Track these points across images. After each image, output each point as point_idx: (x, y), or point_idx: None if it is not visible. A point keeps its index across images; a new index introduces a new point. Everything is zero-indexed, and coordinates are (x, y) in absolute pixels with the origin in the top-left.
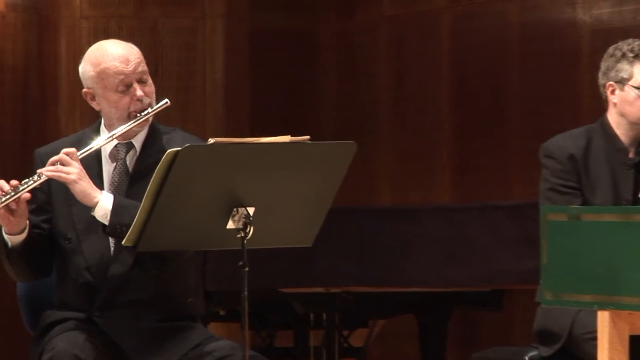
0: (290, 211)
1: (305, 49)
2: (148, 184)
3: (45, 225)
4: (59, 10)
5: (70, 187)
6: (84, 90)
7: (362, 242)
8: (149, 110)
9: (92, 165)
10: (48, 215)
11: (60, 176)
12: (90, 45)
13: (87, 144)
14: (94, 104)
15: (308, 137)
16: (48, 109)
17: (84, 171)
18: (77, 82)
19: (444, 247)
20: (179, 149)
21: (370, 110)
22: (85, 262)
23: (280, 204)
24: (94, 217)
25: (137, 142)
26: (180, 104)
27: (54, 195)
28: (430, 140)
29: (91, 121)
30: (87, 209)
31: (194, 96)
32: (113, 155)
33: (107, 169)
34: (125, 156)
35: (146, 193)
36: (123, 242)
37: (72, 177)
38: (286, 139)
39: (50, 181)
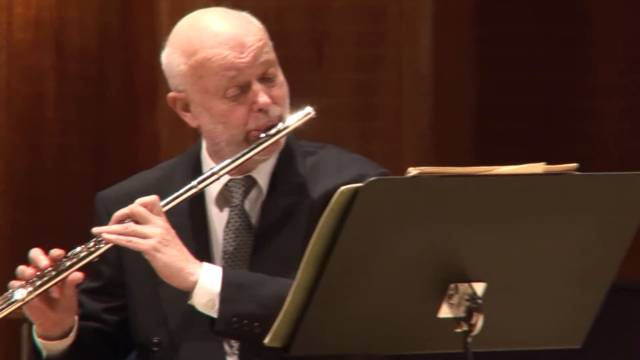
0: (545, 288)
1: (571, 18)
2: (285, 243)
3: (110, 318)
4: None
5: (149, 258)
6: (171, 94)
7: None
8: (280, 127)
9: (189, 215)
10: (118, 302)
11: (131, 242)
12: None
13: (179, 184)
14: (187, 117)
15: (575, 165)
16: (138, 120)
17: (171, 232)
18: None
19: None
20: (360, 185)
21: None
22: None
23: (529, 277)
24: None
25: (262, 175)
26: (358, 110)
27: (128, 266)
28: None
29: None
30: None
31: (382, 97)
32: (223, 199)
33: (216, 221)
34: (244, 200)
35: (305, 258)
36: (266, 341)
37: (152, 242)
38: (538, 167)
39: (118, 245)
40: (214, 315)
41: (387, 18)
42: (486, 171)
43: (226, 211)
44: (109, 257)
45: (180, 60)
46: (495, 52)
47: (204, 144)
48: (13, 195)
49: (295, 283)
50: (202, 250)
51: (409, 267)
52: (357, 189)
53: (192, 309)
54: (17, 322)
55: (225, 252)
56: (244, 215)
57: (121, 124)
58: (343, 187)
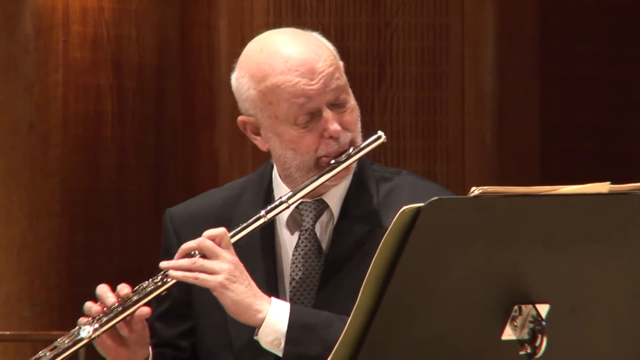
0: (610, 310)
1: (635, 35)
2: (354, 270)
3: (184, 343)
4: None
5: (217, 295)
6: (241, 118)
7: None
8: (351, 152)
9: (259, 237)
10: (189, 324)
11: (198, 279)
12: (271, 30)
13: (248, 206)
14: (257, 141)
15: None
16: (197, 139)
17: (240, 266)
18: None
19: None
20: (421, 204)
21: None
22: None
23: (593, 298)
24: None
25: (334, 200)
26: (421, 129)
27: (195, 288)
28: None
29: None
30: None
31: (444, 116)
32: (294, 222)
33: (286, 244)
34: (314, 224)
35: (366, 278)
36: None
37: (219, 279)
38: (603, 187)
39: None
40: (279, 354)
41: (450, 36)
42: (550, 191)
43: (296, 234)
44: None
45: (249, 85)
46: (559, 70)
47: (275, 166)
48: (70, 215)
49: (356, 305)
50: (270, 273)
51: (472, 288)
52: (418, 208)
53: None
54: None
55: (293, 276)
56: (314, 239)
57: (180, 143)
58: (405, 207)
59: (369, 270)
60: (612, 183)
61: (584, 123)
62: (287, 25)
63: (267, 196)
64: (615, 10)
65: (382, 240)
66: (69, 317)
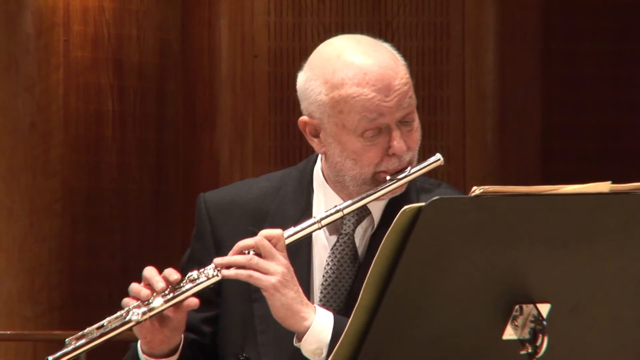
0: (610, 309)
1: (636, 34)
2: None
3: (207, 329)
4: None
5: (267, 295)
6: (303, 118)
7: None
8: (410, 171)
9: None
10: (214, 312)
11: (251, 277)
12: (275, 33)
13: (287, 201)
14: (314, 143)
15: None
16: (198, 138)
17: (291, 270)
18: (247, 89)
19: None
20: (422, 204)
21: None
22: None
23: (594, 297)
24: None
25: (376, 206)
26: (421, 128)
27: (226, 280)
28: None
29: (280, 160)
30: None
31: (445, 115)
32: (333, 225)
33: (320, 245)
34: (355, 229)
35: (367, 278)
36: None
37: (273, 280)
38: (604, 187)
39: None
40: None
41: (450, 35)
42: (551, 190)
43: (334, 236)
44: (208, 264)
45: (321, 89)
46: (560, 69)
47: (318, 162)
48: (71, 215)
49: (357, 304)
50: (302, 272)
51: (473, 287)
52: (419, 208)
53: (284, 329)
54: None
55: (325, 277)
56: (352, 244)
57: (181, 143)
58: (406, 207)
59: (370, 269)
60: (613, 182)
61: (586, 122)
62: (288, 25)
63: (307, 195)
64: (617, 10)
65: (384, 240)
66: (70, 317)
